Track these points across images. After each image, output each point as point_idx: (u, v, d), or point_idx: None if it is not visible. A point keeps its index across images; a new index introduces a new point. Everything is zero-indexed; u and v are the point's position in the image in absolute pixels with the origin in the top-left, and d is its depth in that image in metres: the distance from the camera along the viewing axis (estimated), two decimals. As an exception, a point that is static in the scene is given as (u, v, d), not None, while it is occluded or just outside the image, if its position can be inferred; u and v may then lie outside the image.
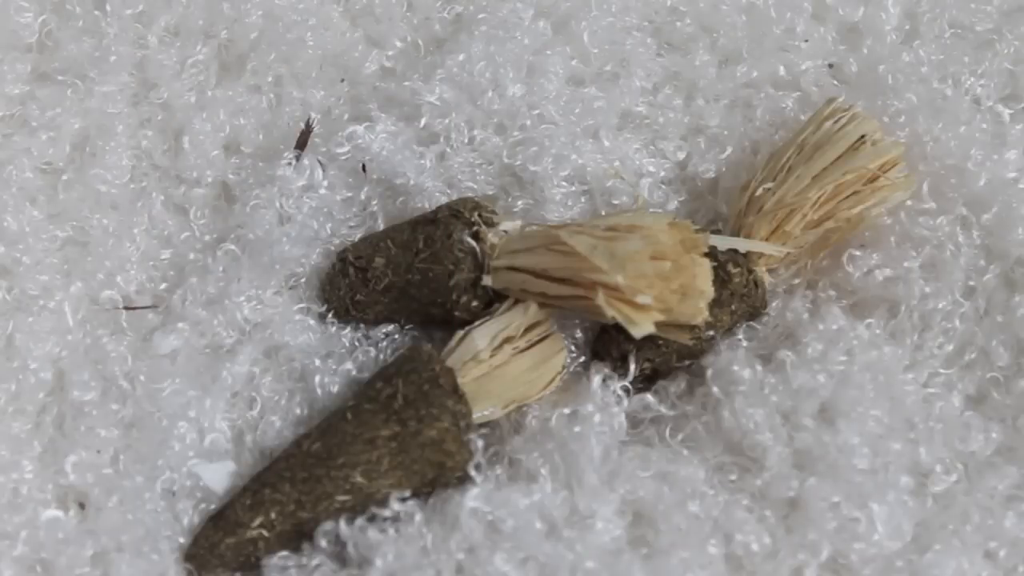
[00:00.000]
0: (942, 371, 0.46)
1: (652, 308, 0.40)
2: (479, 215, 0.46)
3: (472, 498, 0.42)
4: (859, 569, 0.42)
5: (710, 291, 0.42)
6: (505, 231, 0.46)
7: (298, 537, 0.43)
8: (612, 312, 0.40)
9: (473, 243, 0.45)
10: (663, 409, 0.45)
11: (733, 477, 0.44)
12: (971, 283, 0.47)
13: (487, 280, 0.45)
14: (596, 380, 0.45)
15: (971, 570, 0.42)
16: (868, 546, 0.42)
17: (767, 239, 0.46)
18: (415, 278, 0.46)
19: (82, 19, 0.52)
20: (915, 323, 0.47)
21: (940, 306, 0.47)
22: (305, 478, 0.43)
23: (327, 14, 0.54)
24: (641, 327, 0.40)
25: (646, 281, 0.40)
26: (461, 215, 0.46)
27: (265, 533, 0.43)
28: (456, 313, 0.45)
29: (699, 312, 0.41)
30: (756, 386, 0.45)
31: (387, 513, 0.42)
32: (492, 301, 0.45)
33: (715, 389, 0.45)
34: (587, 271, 0.41)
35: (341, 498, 0.43)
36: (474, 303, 0.45)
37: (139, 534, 0.44)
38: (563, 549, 0.41)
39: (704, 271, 0.42)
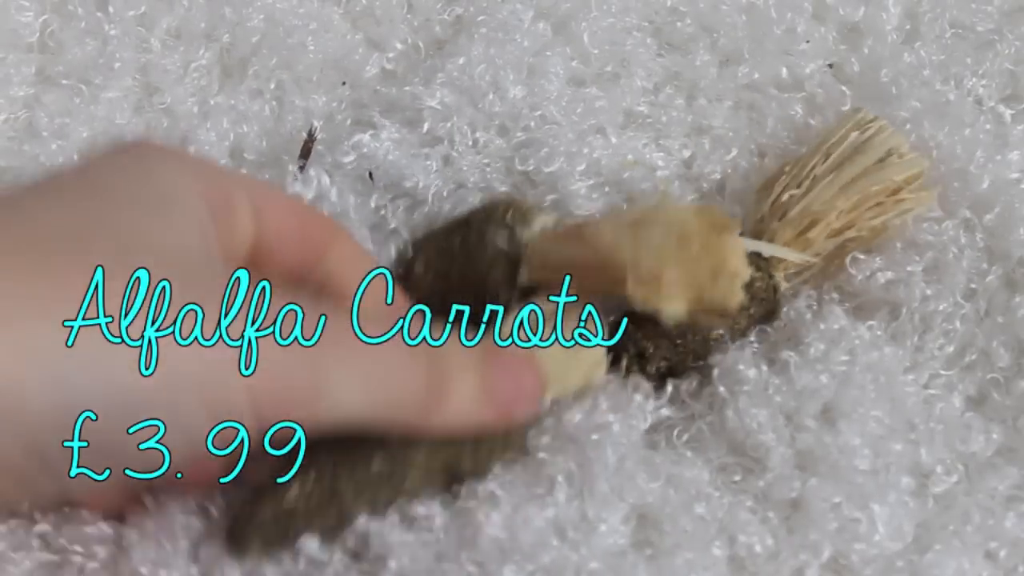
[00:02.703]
0: (943, 372, 0.46)
1: (681, 292, 0.39)
2: (512, 214, 0.45)
3: (493, 525, 0.41)
4: (860, 569, 0.42)
5: (745, 272, 0.39)
6: (538, 228, 0.45)
7: (337, 515, 0.41)
8: (642, 299, 0.39)
9: (507, 242, 0.45)
10: (671, 412, 0.45)
11: (737, 478, 0.44)
12: (972, 285, 0.47)
13: (523, 277, 0.44)
14: (632, 395, 0.44)
15: (972, 570, 0.42)
16: (869, 547, 0.42)
17: (788, 245, 0.46)
18: (454, 283, 0.46)
19: (84, 20, 0.52)
20: (916, 325, 0.47)
21: (941, 308, 0.47)
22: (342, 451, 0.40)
23: (327, 17, 0.54)
24: (671, 312, 0.39)
25: (673, 265, 0.39)
26: (494, 215, 0.45)
27: (302, 506, 0.40)
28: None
29: (733, 295, 0.39)
30: (761, 386, 0.45)
31: (412, 512, 0.41)
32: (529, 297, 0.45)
33: (721, 388, 0.45)
34: (616, 260, 0.40)
35: (377, 470, 0.40)
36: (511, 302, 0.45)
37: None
38: (567, 550, 0.41)
39: (738, 251, 0.39)
